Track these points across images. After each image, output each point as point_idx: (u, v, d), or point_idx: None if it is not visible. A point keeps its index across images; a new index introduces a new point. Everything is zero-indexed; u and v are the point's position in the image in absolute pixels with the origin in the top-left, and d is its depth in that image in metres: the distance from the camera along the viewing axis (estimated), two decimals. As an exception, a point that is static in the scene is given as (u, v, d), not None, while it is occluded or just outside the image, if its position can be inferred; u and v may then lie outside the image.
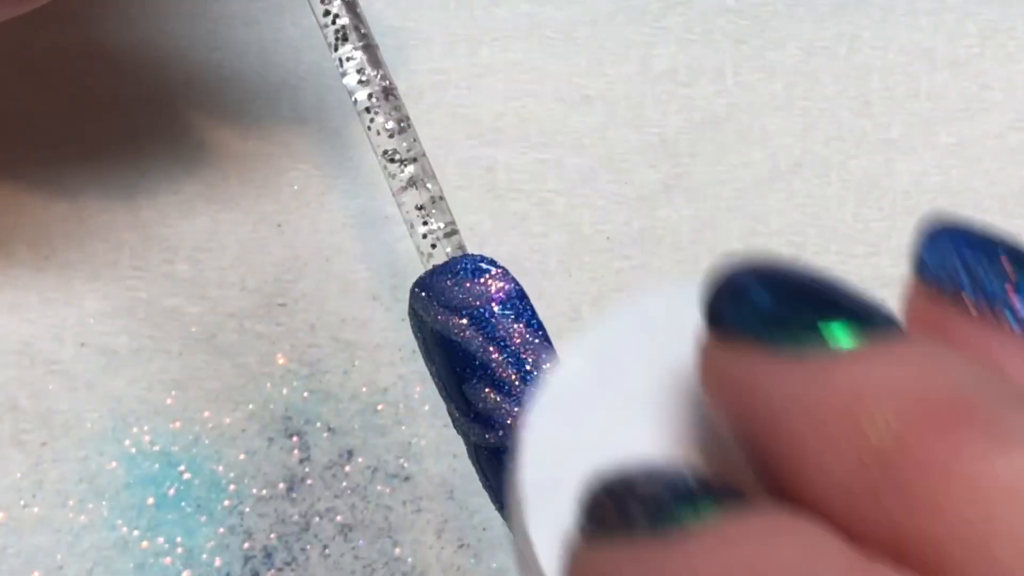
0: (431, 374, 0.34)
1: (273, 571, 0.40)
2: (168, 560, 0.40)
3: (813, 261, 0.45)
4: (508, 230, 0.44)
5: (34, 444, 0.41)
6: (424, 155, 0.36)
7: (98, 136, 0.43)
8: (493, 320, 0.33)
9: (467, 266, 0.34)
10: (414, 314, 0.34)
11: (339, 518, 0.41)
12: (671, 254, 0.44)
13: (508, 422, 0.32)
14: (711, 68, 0.46)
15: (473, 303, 0.33)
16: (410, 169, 0.35)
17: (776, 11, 0.47)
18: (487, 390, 0.33)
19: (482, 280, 0.33)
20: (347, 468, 0.41)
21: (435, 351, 0.33)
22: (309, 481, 0.41)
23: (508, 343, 0.33)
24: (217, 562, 0.40)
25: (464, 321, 0.33)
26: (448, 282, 0.33)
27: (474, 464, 0.33)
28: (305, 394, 0.42)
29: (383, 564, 0.41)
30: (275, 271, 0.43)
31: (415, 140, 0.36)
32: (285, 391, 0.42)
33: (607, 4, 0.46)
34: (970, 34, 0.47)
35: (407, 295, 0.37)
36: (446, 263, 0.34)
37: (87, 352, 0.42)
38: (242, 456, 0.41)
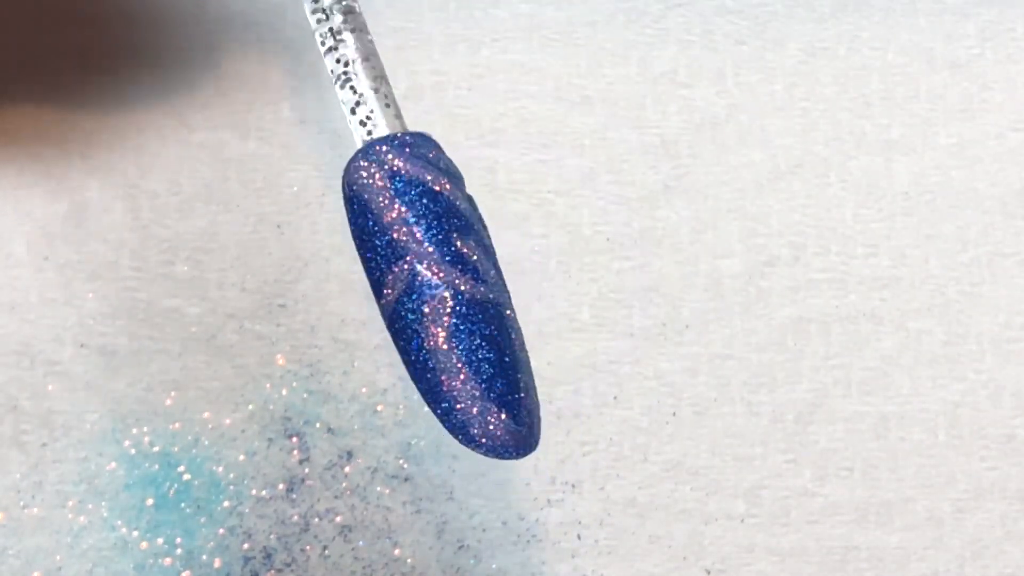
0: (392, 240, 0.34)
1: (273, 572, 0.40)
2: (168, 561, 0.40)
3: (813, 261, 0.45)
4: (508, 230, 0.44)
5: (34, 445, 0.41)
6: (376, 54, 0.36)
7: (98, 136, 0.43)
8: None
9: (427, 140, 0.35)
10: (386, 170, 0.34)
11: (339, 519, 0.41)
12: (671, 255, 0.44)
13: (492, 274, 0.34)
14: (711, 69, 0.46)
15: (452, 170, 0.35)
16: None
17: (776, 12, 0.47)
18: (473, 244, 0.34)
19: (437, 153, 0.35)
20: (347, 469, 0.41)
21: (419, 204, 0.34)
22: (309, 482, 0.41)
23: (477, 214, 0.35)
24: (217, 563, 0.40)
25: (449, 185, 0.34)
26: (428, 147, 0.35)
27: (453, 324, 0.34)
28: (305, 395, 0.42)
29: (383, 565, 0.41)
30: (275, 272, 0.43)
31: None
32: (285, 392, 0.42)
33: (607, 5, 0.46)
34: (970, 35, 0.47)
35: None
36: (415, 134, 0.35)
37: (87, 353, 0.42)
38: (242, 457, 0.41)
